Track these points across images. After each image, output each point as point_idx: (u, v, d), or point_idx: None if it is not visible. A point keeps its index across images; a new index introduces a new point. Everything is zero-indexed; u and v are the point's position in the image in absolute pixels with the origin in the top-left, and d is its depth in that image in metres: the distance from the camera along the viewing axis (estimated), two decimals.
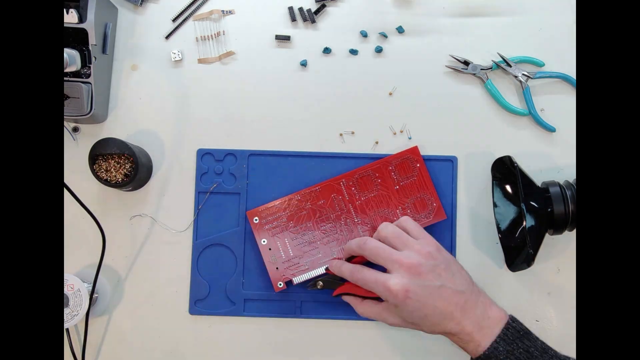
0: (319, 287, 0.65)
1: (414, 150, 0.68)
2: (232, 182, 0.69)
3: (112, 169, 0.65)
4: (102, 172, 0.65)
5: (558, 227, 0.64)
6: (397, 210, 0.67)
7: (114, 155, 0.65)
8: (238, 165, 0.69)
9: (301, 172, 0.69)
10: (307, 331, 0.68)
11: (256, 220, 0.67)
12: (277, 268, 0.67)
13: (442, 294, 0.56)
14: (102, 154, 0.65)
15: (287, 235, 0.67)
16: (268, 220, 0.67)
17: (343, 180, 0.67)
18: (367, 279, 0.59)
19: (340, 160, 0.69)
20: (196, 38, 0.71)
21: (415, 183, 0.67)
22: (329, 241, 0.67)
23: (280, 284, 0.66)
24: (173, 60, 0.70)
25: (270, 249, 0.67)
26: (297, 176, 0.69)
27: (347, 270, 0.62)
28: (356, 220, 0.67)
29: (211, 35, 0.70)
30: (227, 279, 0.68)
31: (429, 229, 0.65)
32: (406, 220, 0.63)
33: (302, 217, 0.67)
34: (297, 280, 0.66)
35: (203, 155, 0.69)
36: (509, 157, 0.65)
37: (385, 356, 0.68)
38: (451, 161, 0.69)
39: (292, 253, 0.67)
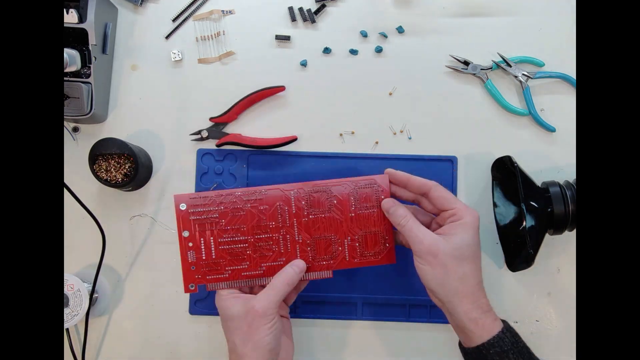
0: None
1: (384, 178, 0.60)
2: (232, 182, 0.69)
3: (112, 169, 0.65)
4: (102, 172, 0.65)
5: (558, 227, 0.64)
6: (345, 240, 0.59)
7: (114, 155, 0.65)
8: (238, 165, 0.69)
9: (301, 172, 0.69)
10: (305, 330, 0.68)
11: (183, 206, 0.58)
12: (192, 267, 0.58)
13: (478, 260, 0.57)
14: (102, 153, 0.65)
15: (215, 234, 0.58)
16: (197, 210, 0.58)
17: (294, 189, 0.59)
18: (414, 232, 0.56)
19: (340, 160, 0.69)
20: (196, 38, 0.71)
21: (374, 216, 0.59)
22: (260, 254, 0.59)
23: (191, 286, 0.58)
24: (173, 60, 0.70)
25: (190, 244, 0.58)
26: (297, 176, 0.69)
27: (400, 212, 0.58)
28: (296, 238, 0.59)
29: (211, 35, 0.70)
30: None
31: (376, 269, 0.65)
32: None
33: (238, 218, 0.58)
34: (211, 287, 0.58)
35: (203, 155, 0.69)
36: (509, 157, 0.65)
37: (383, 355, 0.68)
38: (451, 161, 0.69)
39: (215, 255, 0.58)
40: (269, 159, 0.69)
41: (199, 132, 0.69)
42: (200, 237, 0.58)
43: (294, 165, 0.69)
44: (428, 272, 0.56)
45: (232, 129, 0.70)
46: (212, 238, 0.58)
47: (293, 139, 0.68)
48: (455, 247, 0.55)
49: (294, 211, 0.59)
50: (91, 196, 0.69)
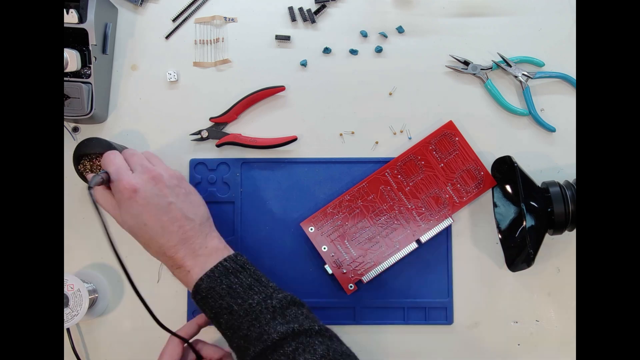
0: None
1: (450, 125, 0.68)
2: (226, 191, 0.69)
3: (97, 169, 0.65)
4: (88, 172, 0.65)
5: (558, 227, 0.64)
6: (447, 187, 0.67)
7: (99, 156, 0.65)
8: (231, 173, 0.69)
9: (296, 178, 0.69)
10: None
11: (312, 229, 0.67)
12: (344, 272, 0.66)
13: (170, 210, 0.56)
14: (86, 153, 0.65)
15: (347, 237, 0.67)
16: (323, 226, 0.67)
17: (387, 170, 0.67)
18: (113, 162, 0.58)
19: (334, 165, 0.69)
20: (195, 41, 0.70)
21: (459, 157, 0.68)
22: (389, 233, 0.66)
23: (351, 286, 0.66)
24: (168, 80, 0.70)
25: (332, 255, 0.66)
26: (292, 182, 0.69)
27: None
28: (409, 206, 0.67)
29: (210, 40, 0.70)
30: None
31: (479, 198, 0.68)
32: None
33: (356, 215, 0.67)
34: (366, 278, 0.66)
35: (196, 165, 0.69)
36: (509, 157, 0.65)
37: (382, 359, 0.68)
38: None
39: (355, 253, 0.66)
40: (262, 166, 0.69)
41: (199, 132, 0.69)
42: (337, 245, 0.67)
43: (288, 171, 0.69)
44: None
45: (232, 128, 0.70)
46: (346, 241, 0.67)
47: (293, 139, 0.68)
48: (120, 220, 0.58)
49: (395, 187, 0.67)
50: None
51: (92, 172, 0.64)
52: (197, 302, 0.56)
